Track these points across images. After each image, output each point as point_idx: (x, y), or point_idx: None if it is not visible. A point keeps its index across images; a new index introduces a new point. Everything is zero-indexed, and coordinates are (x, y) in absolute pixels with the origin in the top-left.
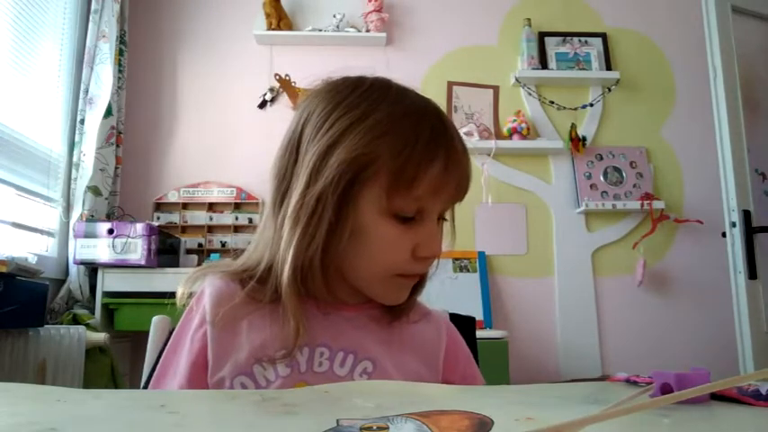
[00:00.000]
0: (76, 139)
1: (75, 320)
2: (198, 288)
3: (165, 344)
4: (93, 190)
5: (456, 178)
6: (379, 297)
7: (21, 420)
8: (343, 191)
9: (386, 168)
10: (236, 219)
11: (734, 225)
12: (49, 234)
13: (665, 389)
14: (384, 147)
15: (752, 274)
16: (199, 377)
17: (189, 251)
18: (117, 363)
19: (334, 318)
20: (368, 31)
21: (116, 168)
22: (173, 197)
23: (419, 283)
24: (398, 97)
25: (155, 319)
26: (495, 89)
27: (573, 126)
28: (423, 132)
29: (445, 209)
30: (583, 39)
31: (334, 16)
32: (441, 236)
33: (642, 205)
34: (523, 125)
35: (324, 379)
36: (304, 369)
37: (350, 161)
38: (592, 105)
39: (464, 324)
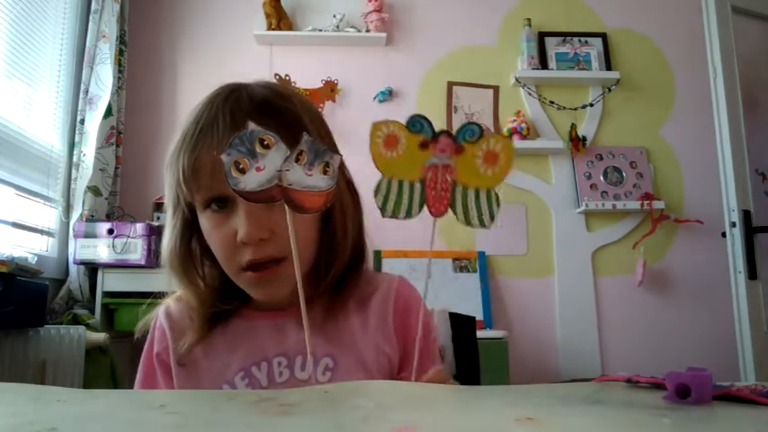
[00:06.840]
0: (76, 139)
1: (75, 320)
2: (153, 314)
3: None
4: (93, 190)
5: None
6: (251, 294)
7: (21, 420)
8: (184, 201)
9: (178, 166)
10: None
11: (734, 225)
12: (49, 234)
13: (681, 389)
14: (178, 148)
15: (752, 274)
16: None
17: None
18: (117, 363)
19: (283, 325)
20: (368, 31)
21: (116, 168)
22: None
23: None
24: (208, 98)
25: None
26: (495, 89)
27: (573, 126)
28: (195, 121)
29: None
30: (583, 39)
31: (334, 16)
32: (283, 216)
33: (642, 205)
34: (523, 125)
35: (287, 388)
36: (265, 383)
37: (174, 176)
38: (592, 105)
39: (464, 324)
